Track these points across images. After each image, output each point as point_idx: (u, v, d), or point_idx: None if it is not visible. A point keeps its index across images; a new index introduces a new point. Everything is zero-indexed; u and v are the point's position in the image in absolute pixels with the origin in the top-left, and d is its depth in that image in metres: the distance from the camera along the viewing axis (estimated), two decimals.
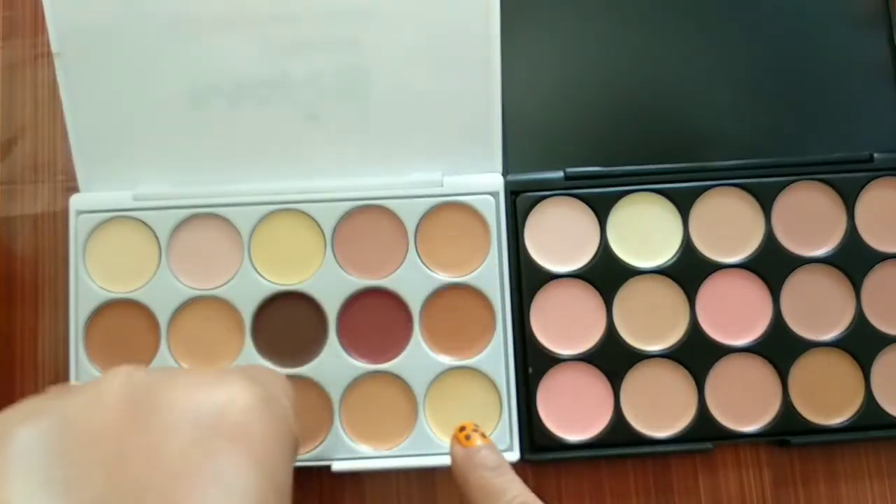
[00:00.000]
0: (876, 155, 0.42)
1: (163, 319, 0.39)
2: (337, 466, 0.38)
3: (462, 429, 0.31)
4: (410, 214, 0.40)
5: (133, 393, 0.20)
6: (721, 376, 0.40)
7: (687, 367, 0.40)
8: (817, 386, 0.40)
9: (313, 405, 0.39)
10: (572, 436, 0.39)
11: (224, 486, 0.18)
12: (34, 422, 0.19)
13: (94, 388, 0.21)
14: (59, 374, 0.41)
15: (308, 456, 0.38)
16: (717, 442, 0.40)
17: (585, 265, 0.41)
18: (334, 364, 0.39)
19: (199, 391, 0.21)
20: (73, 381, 0.39)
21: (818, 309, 0.41)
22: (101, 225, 0.40)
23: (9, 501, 0.17)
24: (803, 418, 0.40)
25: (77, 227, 0.40)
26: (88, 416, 0.19)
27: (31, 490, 0.17)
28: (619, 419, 0.39)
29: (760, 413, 0.40)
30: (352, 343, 0.40)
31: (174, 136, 0.40)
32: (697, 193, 0.41)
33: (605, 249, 0.41)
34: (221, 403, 0.20)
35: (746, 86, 0.43)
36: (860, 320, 0.40)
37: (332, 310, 0.39)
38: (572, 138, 0.43)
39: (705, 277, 0.41)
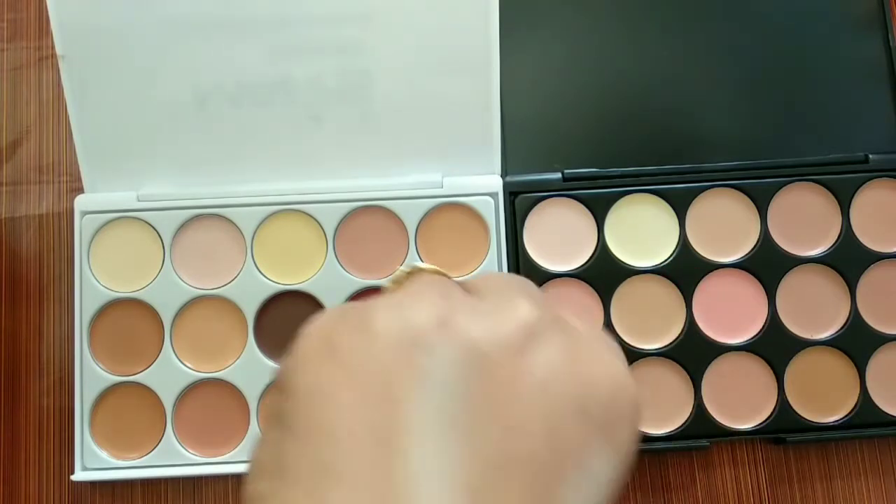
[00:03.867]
0: (871, 156, 0.42)
1: (166, 318, 0.40)
2: None
3: None
4: (411, 215, 0.40)
5: (537, 337, 0.18)
6: (717, 375, 0.40)
7: (683, 366, 0.40)
8: (813, 384, 0.41)
9: None
10: None
11: (592, 478, 0.17)
12: (450, 338, 0.17)
13: (499, 316, 0.18)
14: (64, 373, 0.41)
15: None
16: (714, 439, 0.40)
17: (583, 265, 0.41)
18: None
19: (614, 361, 0.19)
20: (77, 378, 0.39)
21: (813, 308, 0.41)
22: (106, 225, 0.40)
23: (415, 422, 0.16)
24: (799, 416, 0.40)
25: (82, 228, 0.40)
26: (494, 353, 0.17)
27: (436, 418, 0.16)
28: None
29: (756, 411, 0.40)
30: None
31: (178, 137, 0.40)
32: (694, 194, 0.42)
33: (602, 249, 0.41)
34: (615, 387, 0.18)
35: (742, 88, 0.44)
36: (855, 319, 0.41)
37: None
38: (570, 140, 0.43)
39: (702, 277, 0.41)
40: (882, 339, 0.41)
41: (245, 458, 0.39)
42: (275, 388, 0.19)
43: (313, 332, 0.19)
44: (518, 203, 0.41)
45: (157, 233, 0.40)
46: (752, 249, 0.41)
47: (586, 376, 0.18)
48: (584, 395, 0.18)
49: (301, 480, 0.16)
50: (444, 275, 0.22)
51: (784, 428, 0.40)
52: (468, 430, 0.16)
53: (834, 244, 0.41)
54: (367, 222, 0.41)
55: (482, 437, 0.17)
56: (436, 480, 0.16)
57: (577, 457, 0.17)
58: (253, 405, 0.39)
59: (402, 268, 0.22)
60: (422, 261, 0.40)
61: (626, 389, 0.19)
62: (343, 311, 0.19)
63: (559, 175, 0.42)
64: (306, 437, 0.17)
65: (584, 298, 0.41)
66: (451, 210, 0.41)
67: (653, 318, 0.41)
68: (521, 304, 0.19)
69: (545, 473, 0.17)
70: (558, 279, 0.41)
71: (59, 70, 0.39)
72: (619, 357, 0.20)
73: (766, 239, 0.41)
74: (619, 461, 0.18)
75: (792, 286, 0.41)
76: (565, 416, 0.17)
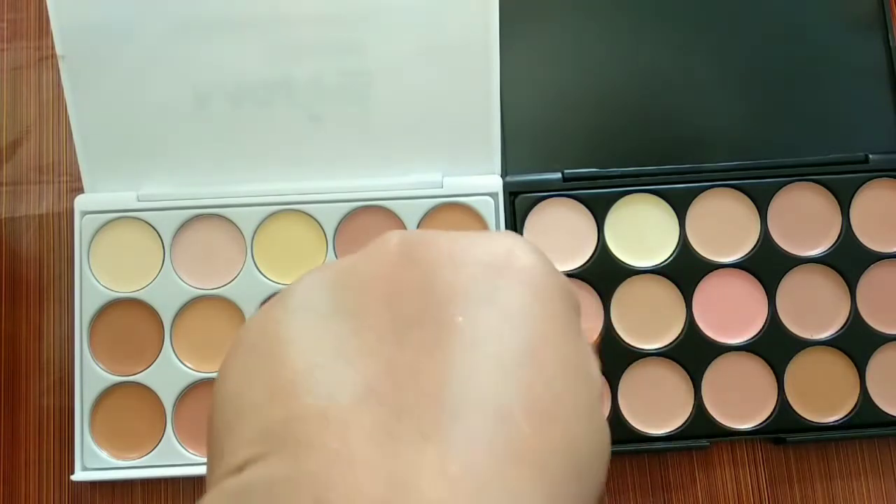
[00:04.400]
0: (871, 156, 0.42)
1: (166, 318, 0.40)
2: None
3: None
4: (411, 215, 0.40)
5: (410, 242, 0.19)
6: (717, 375, 0.40)
7: (683, 366, 0.40)
8: (813, 384, 0.41)
9: None
10: None
11: (500, 307, 0.17)
12: (315, 272, 0.19)
13: (371, 245, 0.20)
14: (64, 373, 0.41)
15: None
16: (714, 439, 0.40)
17: (583, 265, 0.41)
18: None
19: (481, 239, 0.19)
20: (77, 378, 0.39)
21: (813, 308, 0.41)
22: (106, 225, 0.40)
23: (290, 338, 0.17)
24: (799, 416, 0.40)
25: (82, 228, 0.40)
26: (367, 264, 0.19)
27: (316, 321, 0.17)
28: (616, 417, 0.40)
29: (756, 411, 0.40)
30: None
31: (178, 137, 0.40)
32: (694, 194, 0.42)
33: (602, 249, 0.41)
34: (505, 249, 0.19)
35: (743, 88, 0.44)
36: (855, 319, 0.41)
37: None
38: (570, 140, 0.43)
39: (702, 277, 0.41)
40: (882, 339, 0.41)
41: None
42: None
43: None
44: (518, 203, 0.41)
45: (157, 233, 0.40)
46: (752, 249, 0.41)
47: (465, 251, 0.19)
48: (470, 259, 0.19)
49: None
50: None
51: (784, 428, 0.40)
52: (353, 313, 0.18)
53: (834, 244, 0.41)
54: (367, 222, 0.41)
55: (370, 312, 0.18)
56: (332, 363, 0.16)
57: (474, 291, 0.18)
58: None
59: None
60: None
61: (507, 245, 0.19)
62: None
63: (559, 175, 0.42)
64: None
65: (584, 298, 0.41)
66: (451, 210, 0.41)
67: (653, 318, 0.41)
68: (392, 232, 0.21)
69: (436, 315, 0.17)
70: None
71: (59, 70, 0.39)
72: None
73: (765, 239, 0.41)
74: (530, 288, 0.18)
75: (792, 286, 0.41)
76: (455, 272, 0.18)
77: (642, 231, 0.41)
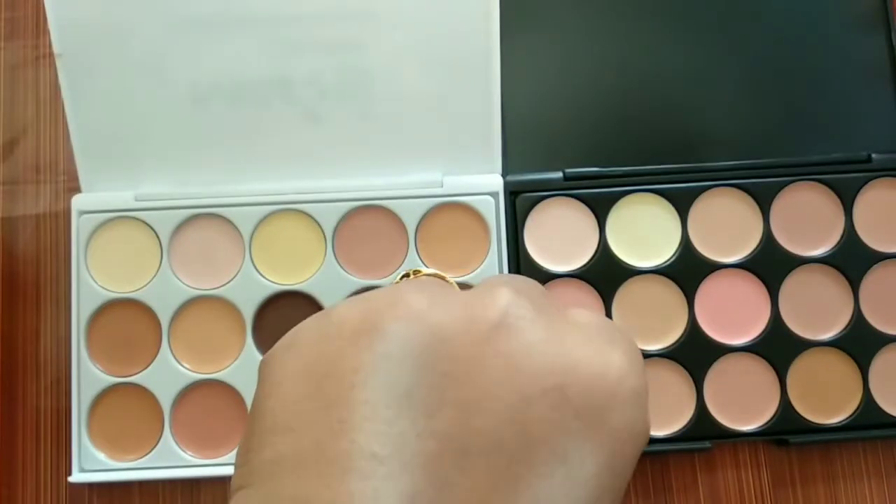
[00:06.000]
0: (874, 155, 0.42)
1: (164, 319, 0.40)
2: None
3: None
4: (410, 215, 0.40)
5: (513, 321, 0.17)
6: (720, 376, 0.40)
7: (686, 367, 0.40)
8: (816, 385, 0.40)
9: None
10: None
11: (571, 469, 0.16)
12: (408, 322, 0.17)
13: (474, 302, 0.18)
14: (61, 374, 0.41)
15: None
16: (716, 441, 0.40)
17: (585, 265, 0.41)
18: None
19: (591, 347, 0.18)
20: (74, 379, 0.39)
21: (816, 309, 0.41)
22: (103, 225, 0.40)
23: (366, 402, 0.16)
24: (802, 418, 0.40)
25: (79, 228, 0.40)
26: (460, 337, 0.17)
27: (389, 400, 0.16)
28: None
29: (759, 412, 0.40)
30: None
31: (175, 136, 0.40)
32: (696, 194, 0.41)
33: (604, 249, 0.41)
34: (608, 378, 0.17)
35: (745, 86, 0.43)
36: (858, 320, 0.41)
37: None
38: (571, 139, 0.43)
39: (704, 277, 0.41)
40: (885, 340, 0.41)
41: None
42: None
43: (289, 332, 0.19)
44: (519, 202, 0.41)
45: (155, 232, 0.40)
46: (755, 249, 0.41)
47: (567, 360, 0.18)
48: (562, 379, 0.17)
49: (257, 471, 0.16)
50: (443, 278, 0.21)
51: (787, 429, 0.40)
52: (424, 409, 0.16)
53: (837, 244, 0.41)
54: (366, 222, 0.40)
55: (439, 416, 0.16)
56: (389, 461, 0.15)
57: (551, 443, 0.17)
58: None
59: (400, 270, 0.22)
60: (423, 262, 0.40)
61: (610, 376, 0.18)
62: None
63: (560, 174, 0.41)
64: (261, 428, 0.17)
65: (585, 299, 0.41)
66: (451, 209, 0.41)
67: (654, 318, 0.41)
68: (501, 292, 0.18)
69: (507, 455, 0.16)
70: (559, 279, 0.41)
71: (56, 69, 0.39)
72: (623, 347, 0.19)
73: (768, 239, 0.41)
74: (607, 455, 0.17)
75: (795, 286, 0.41)
76: (536, 399, 0.17)
77: (644, 231, 0.41)
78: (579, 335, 0.19)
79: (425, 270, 0.22)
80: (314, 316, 0.19)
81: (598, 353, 0.18)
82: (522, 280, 0.21)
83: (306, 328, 0.18)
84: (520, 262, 0.40)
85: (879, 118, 0.43)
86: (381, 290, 0.19)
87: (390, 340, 0.17)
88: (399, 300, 0.18)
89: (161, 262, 0.40)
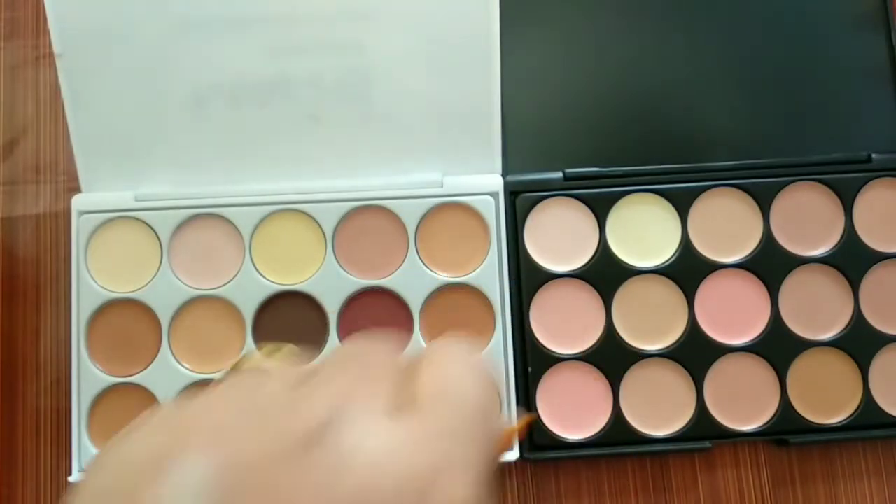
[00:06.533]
0: (874, 155, 0.42)
1: (164, 319, 0.40)
2: None
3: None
4: (410, 215, 0.40)
5: (329, 433, 0.16)
6: (720, 375, 0.40)
7: (686, 367, 0.40)
8: (815, 385, 0.40)
9: None
10: (572, 435, 0.40)
11: None
12: (206, 452, 0.15)
13: (289, 408, 0.17)
14: (61, 374, 0.41)
15: None
16: (716, 441, 0.40)
17: (585, 265, 0.41)
18: None
19: (422, 457, 0.16)
20: (74, 379, 0.39)
21: (816, 309, 0.41)
22: (103, 225, 0.40)
23: None
24: (802, 417, 0.40)
25: (79, 228, 0.40)
26: (265, 461, 0.15)
27: None
28: (618, 418, 0.40)
29: (759, 412, 0.40)
30: None
31: (176, 136, 0.40)
32: (696, 194, 0.41)
33: (604, 249, 0.41)
34: (432, 492, 0.16)
35: (745, 87, 0.43)
36: (858, 320, 0.41)
37: (332, 309, 0.40)
38: (571, 139, 0.43)
39: (704, 277, 0.41)
40: (885, 340, 0.41)
41: None
42: None
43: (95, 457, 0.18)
44: (519, 202, 0.41)
45: (155, 233, 0.40)
46: (755, 249, 0.41)
47: (383, 479, 0.16)
48: (376, 498, 0.15)
49: None
50: (280, 354, 0.19)
51: (787, 429, 0.40)
52: None
53: (837, 244, 0.41)
54: (366, 222, 0.40)
55: None
56: None
57: None
58: None
59: (234, 360, 0.21)
60: (423, 262, 0.40)
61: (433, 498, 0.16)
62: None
63: (560, 174, 0.41)
64: None
65: (585, 299, 0.41)
66: (451, 209, 0.41)
67: (655, 318, 0.41)
68: (322, 393, 0.17)
69: None
70: (559, 279, 0.41)
71: (56, 69, 0.39)
72: (466, 456, 0.17)
73: (768, 239, 0.41)
74: None
75: (795, 286, 0.41)
76: None
77: (644, 231, 0.41)
78: (414, 434, 0.17)
79: (256, 355, 0.20)
80: (116, 439, 0.17)
81: (427, 469, 0.16)
82: (373, 353, 0.19)
83: (102, 460, 0.17)
84: (520, 262, 0.40)
85: (879, 118, 0.43)
86: (187, 409, 0.17)
87: (186, 474, 0.15)
88: (198, 425, 0.16)
89: (161, 262, 0.40)
